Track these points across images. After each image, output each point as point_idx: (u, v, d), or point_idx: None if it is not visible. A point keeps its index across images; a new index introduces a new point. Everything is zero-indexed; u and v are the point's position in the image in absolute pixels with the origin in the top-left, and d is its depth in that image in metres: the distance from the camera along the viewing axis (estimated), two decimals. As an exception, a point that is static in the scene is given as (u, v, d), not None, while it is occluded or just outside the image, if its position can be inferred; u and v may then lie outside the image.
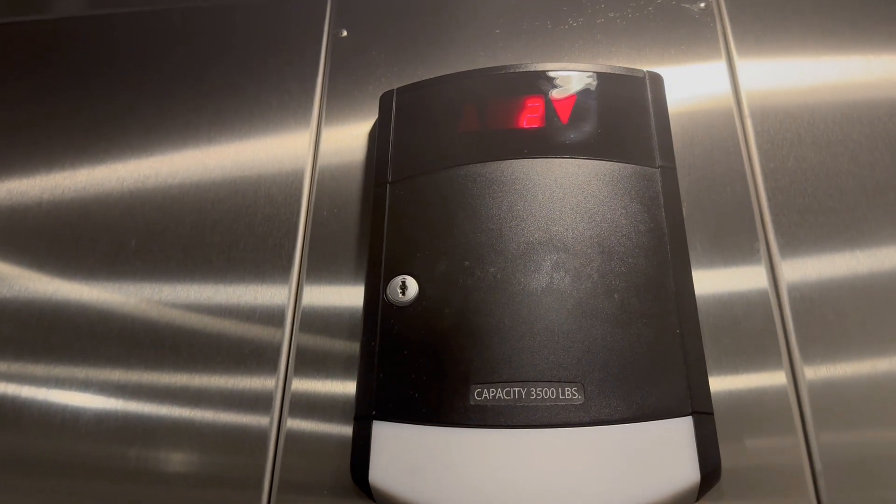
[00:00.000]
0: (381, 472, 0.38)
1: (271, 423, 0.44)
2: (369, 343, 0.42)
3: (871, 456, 0.39)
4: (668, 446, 0.37)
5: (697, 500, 0.38)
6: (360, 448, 0.39)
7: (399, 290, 0.42)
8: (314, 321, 0.47)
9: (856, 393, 0.40)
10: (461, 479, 0.37)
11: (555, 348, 0.39)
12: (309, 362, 0.45)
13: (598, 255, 0.41)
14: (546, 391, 0.38)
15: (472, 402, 0.38)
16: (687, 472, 0.36)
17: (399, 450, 0.38)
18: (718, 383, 0.41)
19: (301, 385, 0.45)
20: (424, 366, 0.40)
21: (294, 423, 0.44)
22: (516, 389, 0.38)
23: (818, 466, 0.39)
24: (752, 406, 0.40)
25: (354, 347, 0.45)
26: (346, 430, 0.42)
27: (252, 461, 0.43)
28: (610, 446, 0.37)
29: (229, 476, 0.43)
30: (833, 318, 0.42)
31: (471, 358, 0.39)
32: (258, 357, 0.46)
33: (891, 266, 0.43)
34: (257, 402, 0.45)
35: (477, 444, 0.38)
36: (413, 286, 0.42)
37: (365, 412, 0.40)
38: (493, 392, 0.38)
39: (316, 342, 0.46)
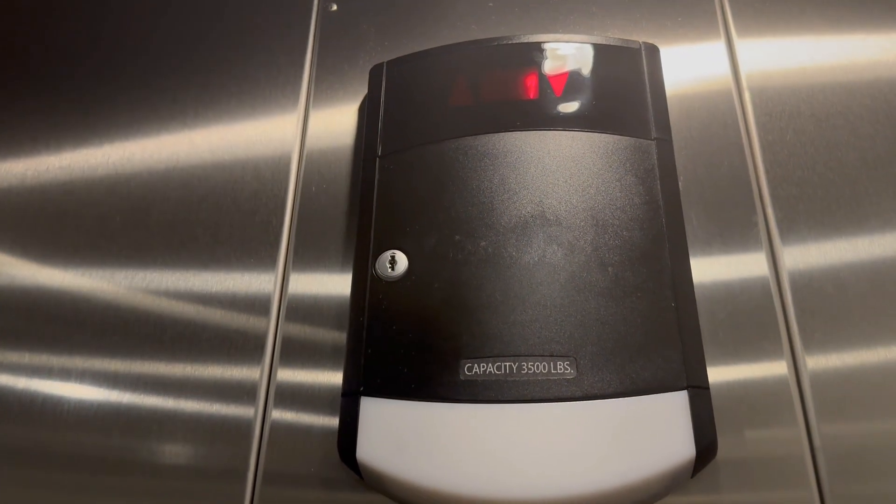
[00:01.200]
0: (370, 448, 0.37)
1: (256, 412, 0.43)
2: (358, 319, 0.41)
3: (873, 445, 0.38)
4: (663, 421, 0.36)
5: (693, 476, 0.37)
6: (348, 425, 0.38)
7: (388, 265, 0.41)
8: (300, 309, 0.46)
9: (858, 381, 0.39)
10: (451, 454, 0.36)
11: (546, 322, 0.38)
12: (295, 352, 0.44)
13: (592, 229, 0.40)
14: (538, 365, 0.37)
15: (462, 377, 0.37)
16: (682, 447, 0.35)
17: (388, 426, 0.37)
18: (717, 372, 0.40)
19: (287, 375, 0.44)
20: (414, 341, 0.39)
21: (279, 413, 0.43)
22: (507, 364, 0.37)
23: (820, 457, 0.38)
24: (752, 395, 0.40)
25: (341, 337, 0.43)
26: (333, 420, 0.41)
27: (236, 452, 0.42)
28: (603, 421, 0.36)
29: (213, 466, 0.42)
30: (835, 301, 0.41)
31: (461, 333, 0.38)
32: (243, 345, 0.45)
33: (893, 248, 0.42)
34: (242, 392, 0.44)
35: (467, 420, 0.37)
36: (402, 261, 0.41)
37: (353, 388, 0.39)
38: (483, 367, 0.37)
39: (302, 331, 0.45)
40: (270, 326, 0.45)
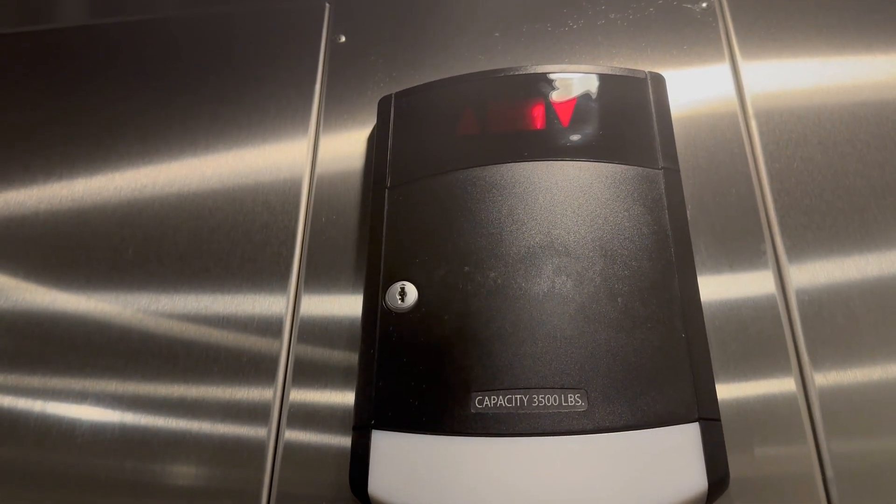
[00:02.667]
0: (381, 482, 0.37)
1: (269, 434, 0.43)
2: (368, 350, 0.41)
3: (883, 463, 0.38)
4: (675, 454, 0.36)
5: (706, 508, 0.37)
6: (359, 458, 0.38)
7: (398, 297, 0.42)
8: (312, 331, 0.46)
9: (867, 398, 0.39)
10: (462, 489, 0.36)
11: (557, 354, 0.38)
12: (307, 373, 0.45)
13: (601, 259, 0.40)
14: (548, 398, 0.37)
15: (473, 410, 0.37)
16: (694, 480, 0.35)
17: (399, 459, 0.38)
18: (727, 390, 0.40)
19: (299, 396, 0.44)
20: (424, 373, 0.39)
21: (292, 435, 0.43)
22: (518, 396, 0.37)
23: (830, 474, 0.38)
24: (762, 413, 0.40)
25: (353, 357, 0.44)
26: (345, 441, 0.41)
27: (250, 473, 0.42)
28: (614, 454, 0.36)
29: (227, 488, 0.42)
30: (843, 322, 0.41)
31: (471, 365, 0.38)
32: (256, 367, 0.45)
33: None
34: (255, 413, 0.44)
35: (478, 453, 0.37)
36: (412, 292, 0.42)
37: (364, 421, 0.39)
38: (494, 399, 0.37)
39: (314, 352, 0.45)
40: (283, 349, 0.46)
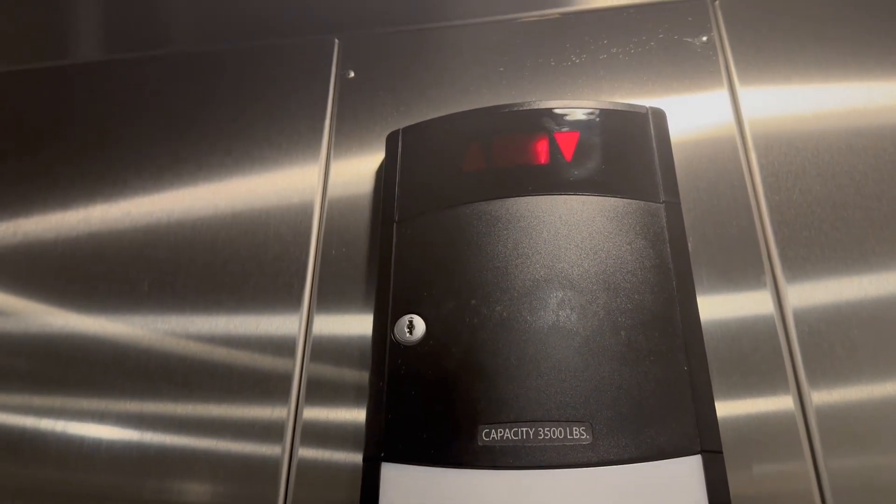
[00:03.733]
0: (391, 513, 0.38)
1: (283, 452, 0.44)
2: (377, 383, 0.42)
3: (880, 481, 0.38)
4: (677, 486, 0.36)
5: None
6: (369, 490, 0.39)
7: (406, 330, 0.43)
8: (324, 351, 0.47)
9: (864, 418, 0.40)
10: (470, 520, 0.37)
11: (562, 387, 0.39)
12: (320, 392, 0.46)
13: (604, 292, 0.41)
14: (554, 431, 0.38)
15: (480, 443, 0.38)
16: (697, 511, 0.36)
17: (408, 491, 0.38)
18: (726, 409, 0.41)
19: (312, 414, 0.45)
20: (432, 406, 0.40)
21: (306, 453, 0.44)
22: (524, 429, 0.38)
23: (828, 493, 0.38)
24: (760, 433, 0.40)
25: (364, 377, 0.45)
26: (358, 459, 0.42)
27: (264, 491, 0.43)
28: (618, 486, 0.37)
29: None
30: (840, 347, 0.42)
31: (478, 398, 0.39)
32: (269, 387, 0.46)
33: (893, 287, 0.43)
34: (269, 432, 0.45)
35: (486, 486, 0.37)
36: (420, 325, 0.43)
37: (374, 453, 0.40)
38: (500, 432, 0.38)
39: (326, 372, 0.46)
40: (296, 369, 0.47)
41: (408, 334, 0.43)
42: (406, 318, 0.43)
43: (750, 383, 0.42)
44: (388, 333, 0.43)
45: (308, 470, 0.44)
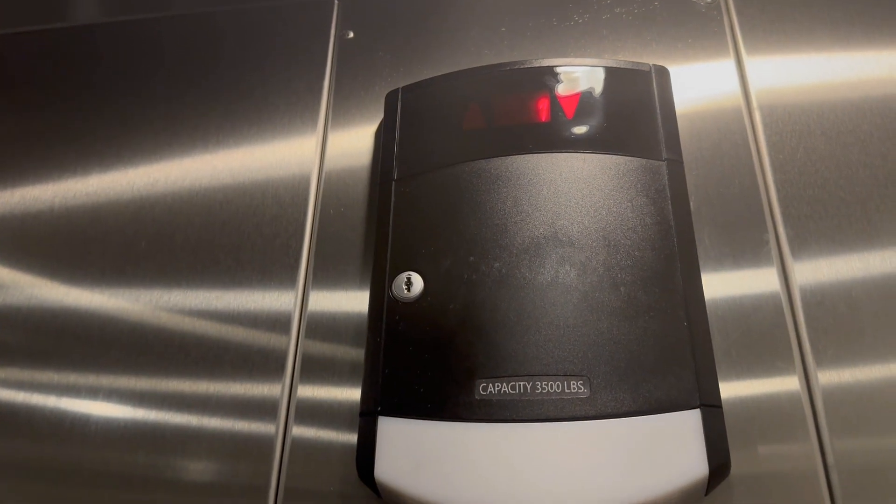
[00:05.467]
0: (387, 467, 0.38)
1: (277, 429, 0.44)
2: (375, 339, 0.42)
3: (886, 460, 0.38)
4: (676, 440, 0.36)
5: (707, 494, 0.37)
6: (366, 444, 0.39)
7: (404, 287, 0.42)
8: (320, 327, 0.47)
9: (871, 396, 0.39)
10: (467, 473, 0.37)
11: (560, 342, 0.39)
12: (315, 368, 0.45)
13: (604, 249, 0.41)
14: (551, 385, 0.38)
15: (477, 397, 0.38)
16: (695, 465, 0.36)
17: (404, 445, 0.38)
18: (730, 388, 0.40)
19: (307, 391, 0.45)
20: (430, 361, 0.40)
21: (300, 430, 0.44)
22: (521, 383, 0.38)
23: (833, 473, 0.38)
24: (765, 410, 0.40)
25: (360, 353, 0.44)
26: (352, 436, 0.42)
27: (258, 468, 0.43)
28: (616, 440, 0.36)
29: (236, 482, 0.43)
30: (846, 318, 0.41)
31: (476, 353, 0.39)
32: (264, 363, 0.46)
33: None
34: (264, 408, 0.45)
35: (483, 439, 0.37)
36: (418, 282, 0.42)
37: (370, 407, 0.40)
38: (498, 386, 0.38)
39: (322, 348, 0.46)
40: (291, 344, 0.46)
41: (406, 291, 0.42)
42: (404, 275, 0.43)
43: (754, 357, 0.41)
44: (386, 290, 0.43)
45: (302, 447, 0.43)
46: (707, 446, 0.36)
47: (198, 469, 0.44)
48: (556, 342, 0.39)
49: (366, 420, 0.40)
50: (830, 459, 0.38)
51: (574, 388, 0.37)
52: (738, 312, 0.42)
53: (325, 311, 0.47)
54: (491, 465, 0.37)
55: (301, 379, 0.45)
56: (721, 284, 0.43)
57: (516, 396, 0.38)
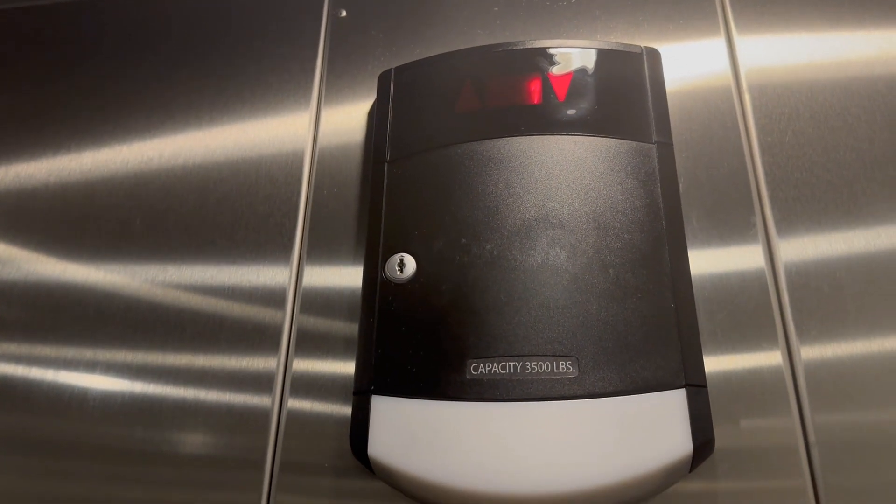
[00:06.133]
0: (380, 445, 0.39)
1: (273, 402, 0.45)
2: (368, 320, 0.42)
3: (866, 437, 0.39)
4: (662, 418, 0.37)
5: (691, 471, 0.38)
6: (360, 422, 0.40)
7: (397, 268, 0.43)
8: (315, 302, 0.47)
9: (852, 373, 0.40)
10: (458, 451, 0.38)
11: (549, 323, 0.39)
12: (310, 343, 0.46)
13: (594, 231, 0.42)
14: (541, 365, 0.39)
15: (468, 377, 0.39)
16: (680, 443, 0.37)
17: (397, 423, 0.39)
18: (714, 363, 0.41)
19: (302, 365, 0.46)
20: (422, 341, 0.41)
21: (295, 403, 0.45)
22: (512, 364, 0.39)
23: (813, 448, 0.39)
24: (748, 385, 0.41)
25: (354, 328, 0.45)
26: (346, 410, 0.43)
27: (254, 441, 0.44)
28: (604, 418, 0.37)
29: (232, 455, 0.44)
30: (830, 296, 0.42)
31: (467, 333, 0.40)
32: (260, 339, 0.47)
33: (888, 243, 0.43)
34: (259, 382, 0.45)
35: (473, 417, 0.38)
36: (411, 263, 0.43)
37: (364, 387, 0.41)
38: (488, 366, 0.39)
39: (316, 323, 0.47)
40: (286, 320, 0.47)
41: (398, 272, 0.43)
42: (397, 256, 0.43)
43: (739, 333, 0.42)
44: (379, 272, 0.43)
45: (298, 420, 0.44)
46: (692, 425, 0.37)
47: (195, 442, 0.44)
48: (545, 323, 0.39)
49: (359, 399, 0.41)
50: (811, 435, 0.39)
51: (563, 369, 0.38)
52: (724, 291, 0.43)
53: (319, 286, 0.48)
54: (481, 443, 0.38)
55: (296, 353, 0.46)
56: (708, 264, 0.44)
57: (506, 376, 0.39)
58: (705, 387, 0.38)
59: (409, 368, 0.40)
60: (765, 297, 0.43)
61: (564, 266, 0.41)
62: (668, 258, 0.41)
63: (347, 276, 0.47)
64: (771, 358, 0.41)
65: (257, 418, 0.44)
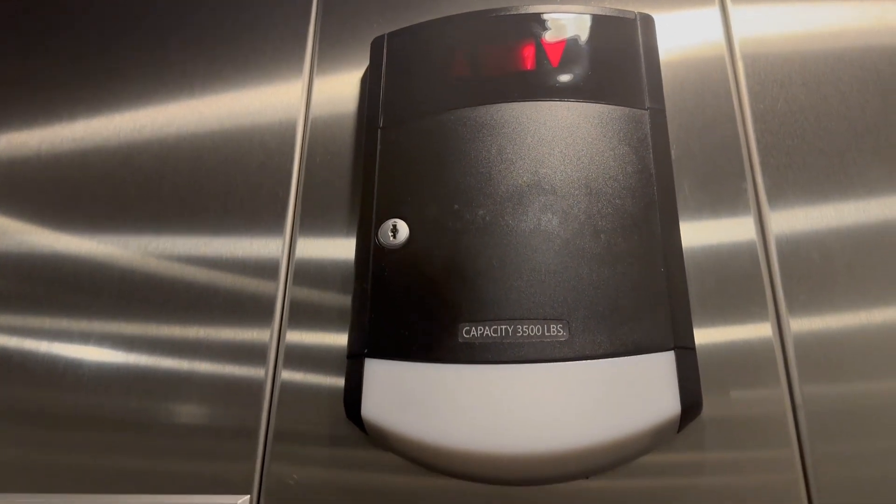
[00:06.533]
0: (374, 407, 0.40)
1: (266, 373, 0.45)
2: (362, 285, 0.43)
3: (854, 407, 0.39)
4: (651, 380, 0.38)
5: (679, 431, 0.39)
6: (353, 385, 0.40)
7: (390, 234, 0.43)
8: (308, 273, 0.47)
9: (841, 344, 0.40)
10: (450, 411, 0.38)
11: (541, 287, 0.40)
12: (303, 314, 0.46)
13: (586, 197, 0.42)
14: (532, 328, 0.39)
15: (460, 340, 0.39)
16: (668, 404, 0.37)
17: (390, 385, 0.40)
18: (704, 334, 0.41)
19: (295, 336, 0.46)
20: (415, 306, 0.41)
21: (289, 374, 0.45)
22: (503, 327, 0.39)
23: (801, 418, 0.39)
24: (737, 356, 0.41)
25: (347, 300, 0.45)
26: (340, 380, 0.43)
27: (247, 413, 0.44)
28: (593, 380, 0.38)
29: (226, 425, 0.44)
30: (820, 266, 0.42)
31: (459, 297, 0.40)
32: (254, 309, 0.47)
33: (878, 214, 0.43)
34: (253, 353, 0.46)
35: (465, 380, 0.39)
36: (404, 229, 0.43)
37: (358, 350, 0.41)
38: (480, 330, 0.39)
39: (310, 295, 0.47)
40: (279, 290, 0.47)
41: (392, 238, 0.43)
42: (390, 222, 0.43)
43: (729, 304, 0.42)
44: (373, 238, 0.44)
45: (291, 391, 0.44)
46: (680, 386, 0.38)
47: (189, 412, 0.45)
48: (536, 287, 0.40)
49: (353, 362, 0.41)
50: (799, 403, 0.40)
51: (553, 332, 0.39)
52: (714, 260, 0.43)
53: (312, 258, 0.48)
54: (473, 404, 0.38)
55: (290, 324, 0.46)
56: (699, 233, 0.44)
57: (498, 339, 0.39)
58: (694, 349, 0.39)
59: (403, 332, 0.40)
60: (755, 267, 0.43)
61: (556, 231, 0.41)
62: (659, 224, 0.41)
63: (341, 248, 0.48)
64: (761, 328, 0.41)
65: (251, 390, 0.45)
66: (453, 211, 0.43)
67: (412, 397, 0.39)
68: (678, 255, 0.41)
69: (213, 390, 0.45)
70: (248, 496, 0.42)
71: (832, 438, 0.39)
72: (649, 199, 0.42)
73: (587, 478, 0.40)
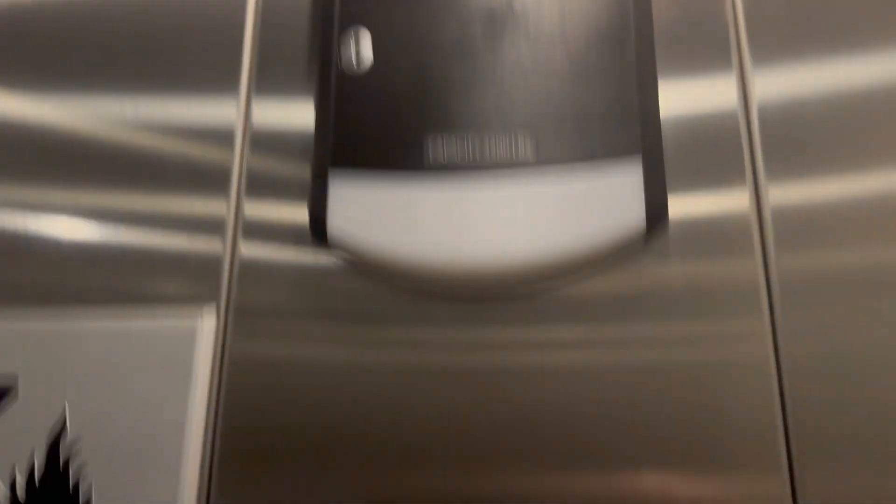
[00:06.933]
0: (340, 222, 0.39)
1: (224, 248, 0.44)
2: (324, 103, 0.41)
3: (828, 276, 0.39)
4: (617, 186, 0.37)
5: (646, 244, 0.39)
6: (318, 200, 0.39)
7: (353, 53, 0.41)
8: (265, 142, 0.45)
9: (817, 207, 0.40)
10: (416, 224, 0.38)
11: (509, 98, 0.39)
12: (261, 185, 0.44)
13: (558, 16, 0.41)
14: (499, 138, 0.38)
15: (427, 150, 0.38)
16: (634, 211, 0.37)
17: (356, 199, 0.39)
18: (681, 202, 0.40)
19: (254, 210, 0.44)
20: (381, 119, 0.40)
21: (247, 249, 0.43)
22: (469, 136, 0.38)
23: (775, 287, 0.39)
24: (714, 224, 0.40)
25: (306, 170, 0.43)
26: (301, 256, 0.42)
27: (206, 287, 0.43)
28: (560, 190, 0.37)
29: (189, 294, 0.43)
30: (800, 131, 0.41)
31: (426, 109, 0.39)
32: (210, 178, 0.45)
33: (862, 81, 0.42)
34: (210, 227, 0.44)
35: (431, 189, 0.38)
36: (368, 49, 0.41)
37: (321, 163, 0.40)
38: (447, 140, 0.39)
39: (267, 165, 0.45)
40: (235, 158, 0.46)
41: (355, 63, 0.41)
42: (352, 29, 0.42)
43: (707, 169, 0.41)
44: (335, 56, 0.42)
45: (251, 265, 0.43)
46: (646, 192, 0.37)
47: (147, 286, 0.44)
48: (504, 99, 0.39)
49: (317, 175, 0.40)
50: (773, 273, 0.39)
51: (521, 140, 0.38)
52: (695, 126, 0.42)
53: (270, 124, 0.46)
54: (439, 215, 0.38)
55: (247, 195, 0.44)
56: (679, 98, 0.43)
57: (463, 148, 0.38)
58: (661, 157, 0.38)
59: (368, 142, 0.39)
60: (735, 133, 0.41)
61: (527, 50, 0.40)
62: (633, 41, 0.40)
63: (299, 113, 0.45)
64: (739, 196, 0.40)
65: (209, 263, 0.43)
66: (421, 26, 0.41)
67: (378, 211, 0.38)
68: (651, 73, 0.40)
69: (169, 264, 0.44)
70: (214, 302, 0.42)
71: (804, 309, 0.38)
72: (624, 20, 0.40)
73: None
